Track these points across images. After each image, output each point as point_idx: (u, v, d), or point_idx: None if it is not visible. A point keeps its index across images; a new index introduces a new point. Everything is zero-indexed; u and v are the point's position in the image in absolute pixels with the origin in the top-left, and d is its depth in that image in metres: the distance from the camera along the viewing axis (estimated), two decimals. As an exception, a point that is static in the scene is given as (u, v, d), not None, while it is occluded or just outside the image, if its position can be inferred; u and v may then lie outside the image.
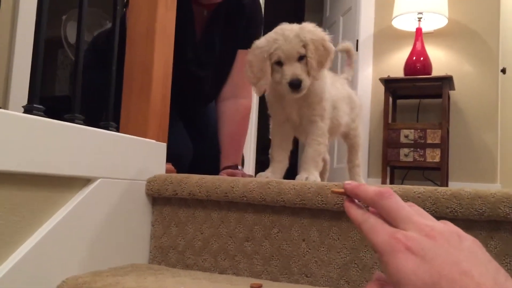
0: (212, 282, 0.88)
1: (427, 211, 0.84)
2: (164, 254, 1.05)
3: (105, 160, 0.93)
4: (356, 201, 0.48)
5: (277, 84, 1.22)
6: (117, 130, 1.06)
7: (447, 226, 0.41)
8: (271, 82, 1.23)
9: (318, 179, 1.22)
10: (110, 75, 1.06)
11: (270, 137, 1.37)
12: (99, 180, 0.91)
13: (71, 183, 0.86)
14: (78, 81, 0.95)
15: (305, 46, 1.18)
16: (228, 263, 0.99)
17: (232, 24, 1.62)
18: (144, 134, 1.09)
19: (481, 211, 0.81)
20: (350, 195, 0.48)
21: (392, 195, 0.44)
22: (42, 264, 0.78)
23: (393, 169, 3.49)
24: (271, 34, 1.22)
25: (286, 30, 1.19)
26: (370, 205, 0.45)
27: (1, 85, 1.99)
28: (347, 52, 1.68)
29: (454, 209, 0.83)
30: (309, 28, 1.21)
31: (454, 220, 0.85)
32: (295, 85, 1.16)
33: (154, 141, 1.10)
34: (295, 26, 1.21)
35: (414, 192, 0.86)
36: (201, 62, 1.60)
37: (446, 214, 0.84)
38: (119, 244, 0.98)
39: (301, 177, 1.22)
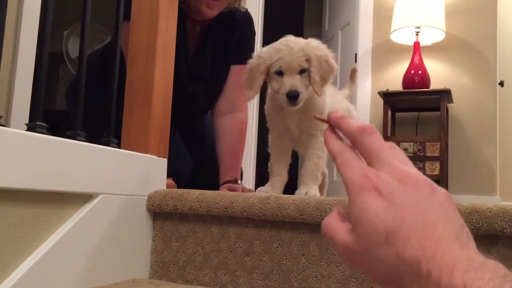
0: (212, 297, 0.89)
1: (425, 226, 0.85)
2: (165, 269, 1.06)
3: (107, 176, 0.94)
4: (338, 132, 0.45)
5: (275, 94, 1.23)
6: (119, 146, 1.08)
7: (422, 176, 0.40)
8: (271, 92, 1.24)
9: (318, 194, 1.23)
10: (111, 91, 1.08)
11: (269, 150, 1.38)
12: (100, 196, 0.92)
13: (73, 199, 0.87)
14: (80, 98, 0.97)
15: (308, 60, 1.19)
16: (229, 278, 1.00)
17: (225, 39, 1.65)
18: (145, 150, 1.10)
19: (478, 225, 0.82)
20: (332, 125, 0.46)
21: (374, 133, 0.42)
22: (45, 279, 0.79)
23: (392, 182, 3.49)
24: (276, 44, 1.22)
25: (291, 42, 1.20)
26: (351, 139, 0.43)
27: (3, 101, 2.01)
28: (352, 72, 1.73)
29: (451, 223, 0.84)
30: (314, 44, 1.22)
31: (452, 235, 0.86)
32: (293, 96, 1.17)
33: (155, 156, 1.11)
34: (301, 40, 1.22)
35: (412, 206, 0.87)
36: (194, 77, 1.63)
37: (444, 229, 0.84)
38: (120, 259, 0.98)
39: (300, 192, 1.23)
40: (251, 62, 1.25)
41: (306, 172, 1.28)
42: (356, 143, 0.43)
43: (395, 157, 0.41)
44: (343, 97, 1.61)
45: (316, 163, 1.28)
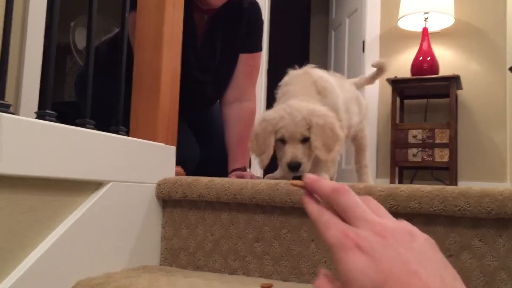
0: (223, 282, 0.89)
1: (435, 210, 0.85)
2: (175, 255, 1.06)
3: (116, 164, 0.95)
4: (315, 195, 0.47)
5: (278, 160, 1.21)
6: (127, 134, 1.08)
7: (400, 225, 0.41)
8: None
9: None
10: (119, 80, 1.08)
11: None
12: (110, 184, 0.92)
13: (83, 187, 0.88)
14: (88, 86, 0.97)
15: (310, 129, 1.16)
16: (239, 264, 1.00)
17: (233, 29, 1.64)
18: (153, 138, 1.10)
19: (489, 209, 0.82)
20: (308, 189, 0.47)
21: (347, 192, 0.43)
22: (56, 266, 0.80)
23: (401, 169, 3.49)
24: (280, 110, 1.20)
25: (295, 110, 1.17)
26: (326, 201, 0.45)
27: (12, 90, 2.02)
28: (379, 68, 1.69)
29: (462, 207, 0.83)
30: (320, 113, 1.19)
31: (462, 219, 0.86)
32: (294, 167, 1.15)
33: (163, 144, 1.12)
34: (304, 108, 1.18)
35: (422, 191, 0.87)
36: (202, 66, 1.62)
37: (454, 213, 0.84)
38: (131, 246, 0.99)
39: (309, 178, 1.23)
40: (256, 127, 1.24)
41: (318, 162, 1.27)
42: (332, 203, 0.44)
43: (371, 211, 0.42)
44: (351, 84, 1.60)
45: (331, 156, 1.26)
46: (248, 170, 1.64)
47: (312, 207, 0.45)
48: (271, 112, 1.22)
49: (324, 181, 0.46)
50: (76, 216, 0.84)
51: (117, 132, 1.02)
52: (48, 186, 0.80)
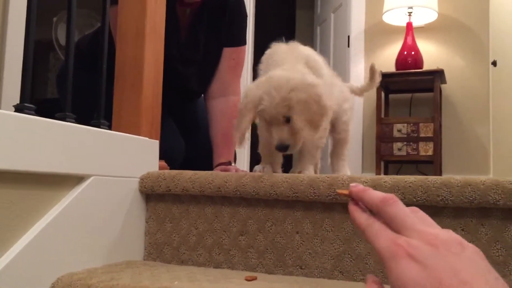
0: (207, 276, 0.89)
1: (418, 200, 0.85)
2: (159, 250, 1.06)
3: (98, 158, 0.93)
4: (361, 204, 0.48)
5: (267, 140, 1.15)
6: (109, 128, 1.07)
7: (449, 235, 0.42)
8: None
9: (312, 173, 1.23)
10: (100, 74, 1.06)
11: (258, 132, 1.32)
12: (92, 178, 0.91)
13: (64, 181, 0.87)
14: (69, 80, 0.96)
15: (291, 107, 1.08)
16: (223, 257, 1.00)
17: (216, 22, 1.63)
18: (136, 132, 1.09)
19: (471, 198, 0.82)
20: (354, 198, 0.48)
21: (396, 202, 0.44)
22: (37, 261, 0.78)
23: (387, 163, 3.51)
24: (261, 85, 1.11)
25: (273, 88, 1.08)
26: (374, 210, 0.46)
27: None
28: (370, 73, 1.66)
29: (444, 197, 0.84)
30: (303, 85, 1.09)
31: (445, 208, 0.86)
32: (282, 149, 1.10)
33: (146, 138, 1.10)
34: (286, 83, 1.08)
35: (405, 181, 0.87)
36: (186, 60, 1.61)
37: (437, 203, 0.85)
38: (114, 241, 0.98)
39: (294, 171, 1.23)
40: (241, 103, 1.16)
41: (303, 152, 1.26)
42: (380, 213, 0.45)
43: (420, 221, 0.43)
44: (338, 80, 1.58)
45: (315, 144, 1.24)
46: (233, 164, 1.63)
47: (360, 216, 0.47)
48: (253, 88, 1.14)
49: (372, 191, 0.47)
50: (57, 210, 0.83)
51: (98, 126, 1.01)
52: (27, 180, 0.78)
